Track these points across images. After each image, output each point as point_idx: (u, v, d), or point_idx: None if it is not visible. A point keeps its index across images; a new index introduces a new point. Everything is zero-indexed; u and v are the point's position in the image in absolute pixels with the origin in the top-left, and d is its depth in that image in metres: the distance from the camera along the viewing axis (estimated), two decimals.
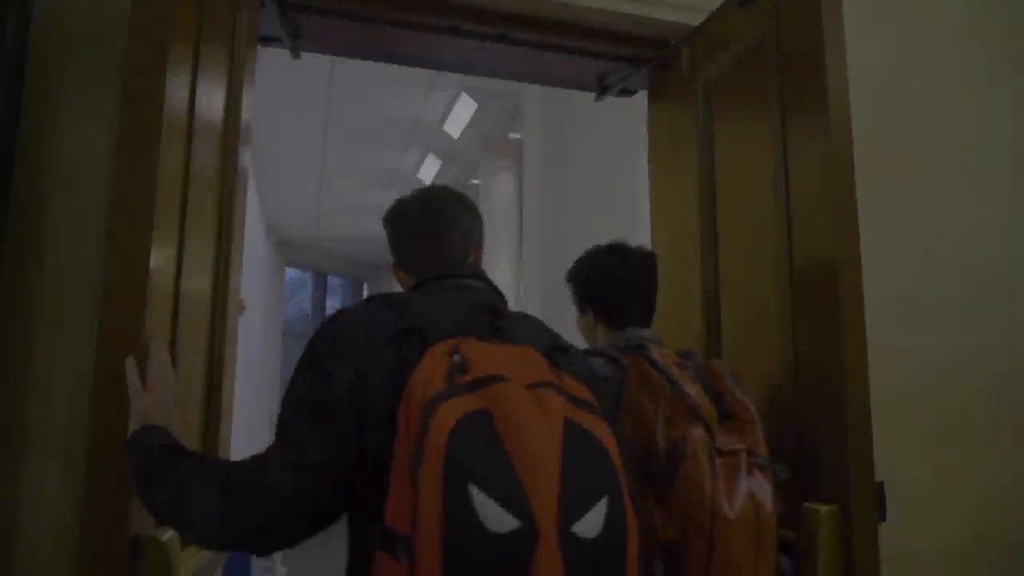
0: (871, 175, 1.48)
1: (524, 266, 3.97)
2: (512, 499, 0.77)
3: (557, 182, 3.89)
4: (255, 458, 0.90)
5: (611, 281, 1.53)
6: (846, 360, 1.24)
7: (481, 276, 1.14)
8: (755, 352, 1.51)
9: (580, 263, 1.60)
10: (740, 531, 1.19)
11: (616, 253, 1.55)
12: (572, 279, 1.61)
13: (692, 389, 1.29)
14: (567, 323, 1.56)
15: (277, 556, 4.67)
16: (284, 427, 0.91)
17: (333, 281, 11.99)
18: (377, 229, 7.21)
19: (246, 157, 1.56)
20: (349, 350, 0.94)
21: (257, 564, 4.37)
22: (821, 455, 1.29)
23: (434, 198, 1.20)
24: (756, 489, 1.22)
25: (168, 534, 1.03)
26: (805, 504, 1.27)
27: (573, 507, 0.80)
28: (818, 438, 1.31)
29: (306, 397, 0.93)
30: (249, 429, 6.72)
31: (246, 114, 1.52)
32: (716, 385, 1.37)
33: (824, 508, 1.24)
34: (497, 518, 0.76)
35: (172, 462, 0.93)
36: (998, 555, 1.71)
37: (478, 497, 0.76)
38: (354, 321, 0.98)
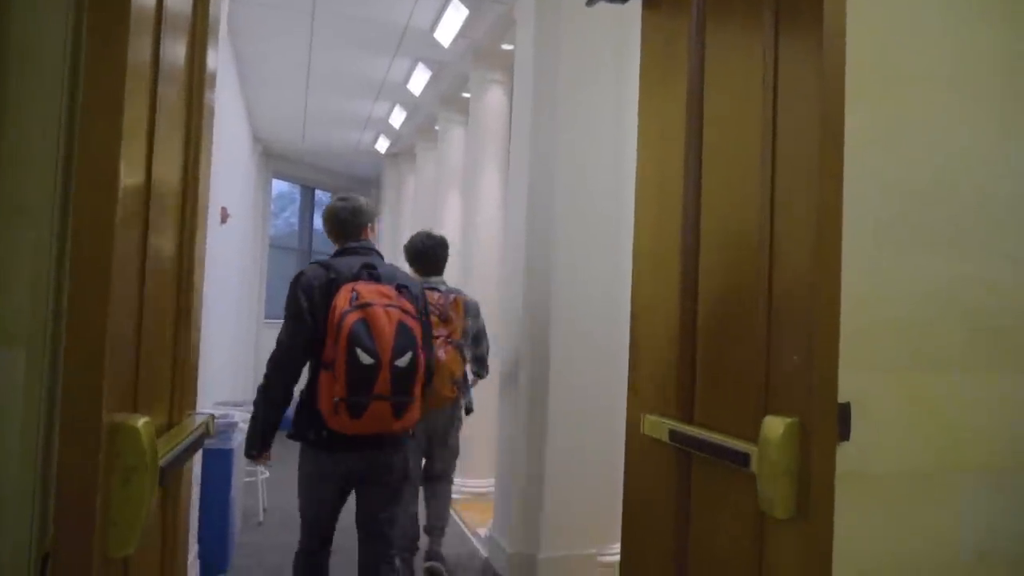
0: (861, 97, 1.47)
1: (511, 176, 3.98)
2: (371, 352, 2.54)
3: (547, 95, 3.85)
4: (280, 336, 2.65)
5: (420, 251, 3.92)
6: (817, 272, 1.25)
7: (369, 246, 2.88)
8: (734, 263, 1.53)
9: (409, 241, 4.00)
10: (442, 367, 3.68)
11: (424, 237, 3.96)
12: (405, 250, 3.99)
13: (437, 311, 3.72)
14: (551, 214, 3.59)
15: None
16: (285, 322, 2.66)
17: (321, 196, 11.90)
18: (365, 140, 7.21)
19: (215, 55, 1.54)
20: (307, 291, 2.68)
21: (242, 469, 4.57)
22: (786, 369, 1.32)
23: (344, 209, 2.93)
24: (443, 352, 3.67)
25: (142, 420, 1.06)
26: (766, 416, 1.31)
27: (397, 354, 2.57)
28: (784, 352, 1.34)
29: (291, 312, 2.66)
30: (238, 325, 6.80)
31: (214, 9, 1.50)
32: (451, 306, 3.77)
33: (783, 420, 1.28)
34: (365, 358, 2.54)
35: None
36: (962, 480, 1.76)
37: (359, 351, 2.52)
38: (308, 276, 2.71)
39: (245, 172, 7.87)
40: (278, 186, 11.22)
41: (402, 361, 2.63)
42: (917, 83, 1.68)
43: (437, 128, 7.73)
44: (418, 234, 4.02)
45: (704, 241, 1.65)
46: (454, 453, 3.94)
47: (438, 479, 3.92)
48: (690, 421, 1.65)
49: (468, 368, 3.95)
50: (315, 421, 2.66)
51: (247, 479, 5.10)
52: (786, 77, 1.37)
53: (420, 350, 2.68)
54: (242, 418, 4.16)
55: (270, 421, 2.71)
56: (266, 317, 9.48)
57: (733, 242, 1.54)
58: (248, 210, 8.09)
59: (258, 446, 2.74)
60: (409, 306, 2.72)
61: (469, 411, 3.95)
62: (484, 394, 4.87)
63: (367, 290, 2.69)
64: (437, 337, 3.68)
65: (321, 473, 2.72)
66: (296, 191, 11.60)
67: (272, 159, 10.25)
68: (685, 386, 1.68)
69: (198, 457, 3.52)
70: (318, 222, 11.87)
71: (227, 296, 6.24)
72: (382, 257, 2.92)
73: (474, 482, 5.60)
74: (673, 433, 1.66)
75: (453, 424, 3.90)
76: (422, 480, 3.93)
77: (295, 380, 2.69)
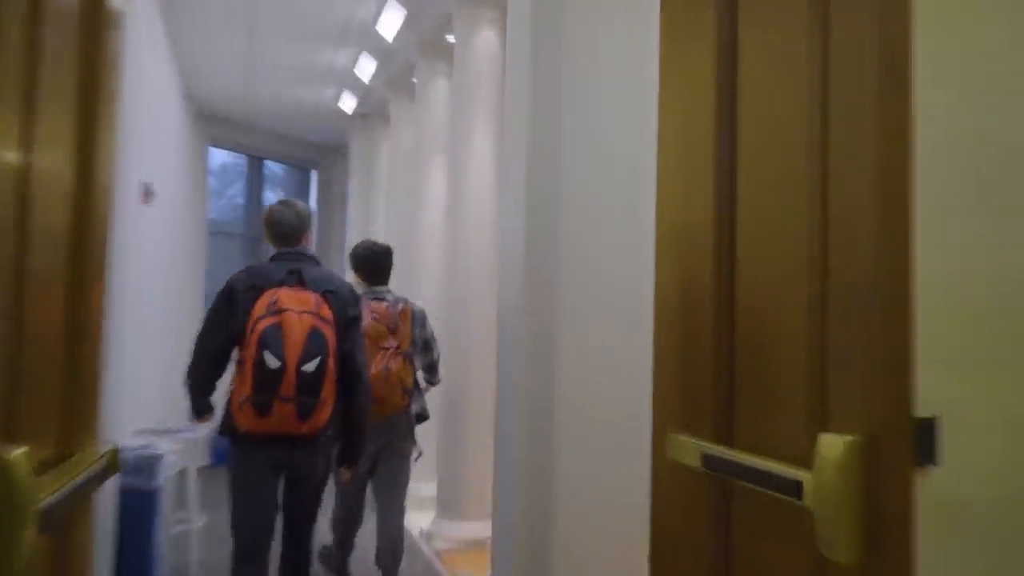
0: (928, 24, 1.44)
1: (504, 139, 3.96)
2: (279, 355, 3.43)
3: (550, 30, 3.80)
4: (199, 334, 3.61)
5: (363, 260, 4.87)
6: (885, 254, 1.23)
7: (303, 252, 3.86)
8: (778, 248, 1.51)
9: (353, 250, 4.97)
10: (380, 377, 4.52)
11: (369, 245, 4.96)
12: (349, 259, 4.93)
13: (385, 321, 4.68)
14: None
15: (194, 505, 4.97)
16: (204, 320, 3.68)
17: (274, 169, 11.84)
18: (326, 98, 7.27)
19: None
20: (226, 295, 3.69)
21: (171, 517, 4.63)
22: (846, 375, 1.30)
23: (279, 213, 3.89)
24: (392, 364, 4.60)
25: (17, 451, 1.04)
26: (821, 434, 1.29)
27: (305, 359, 3.46)
28: (843, 353, 1.32)
29: (207, 315, 3.70)
30: (169, 332, 6.83)
31: None
32: (399, 317, 4.73)
33: (843, 439, 1.26)
34: (272, 362, 3.43)
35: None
36: None
37: (267, 354, 3.43)
38: (231, 282, 3.70)
39: (176, 139, 7.80)
40: (219, 157, 11.12)
41: (309, 366, 3.47)
42: (1002, 7, 1.65)
43: (415, 81, 7.66)
44: (362, 243, 4.98)
45: (741, 221, 1.63)
46: (404, 460, 4.76)
47: (389, 490, 4.75)
48: (727, 442, 1.64)
49: (420, 376, 4.90)
50: (230, 419, 3.56)
51: (177, 528, 5.10)
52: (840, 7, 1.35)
53: (330, 356, 3.53)
54: (170, 449, 4.18)
55: (203, 398, 3.69)
56: None
57: (777, 221, 1.52)
58: (180, 187, 8.01)
59: (200, 405, 3.68)
60: (328, 313, 3.60)
61: (423, 418, 4.82)
62: (475, 421, 5.06)
63: (287, 296, 3.55)
64: (387, 348, 4.56)
65: (247, 467, 3.63)
66: (242, 162, 11.45)
67: (209, 122, 10.10)
68: (720, 399, 1.66)
69: (110, 499, 3.62)
70: (270, 197, 11.93)
71: (153, 296, 6.23)
72: (318, 263, 3.84)
73: (470, 526, 5.60)
74: (707, 457, 1.65)
75: (407, 431, 4.75)
76: (374, 490, 4.80)
77: (212, 377, 3.68)
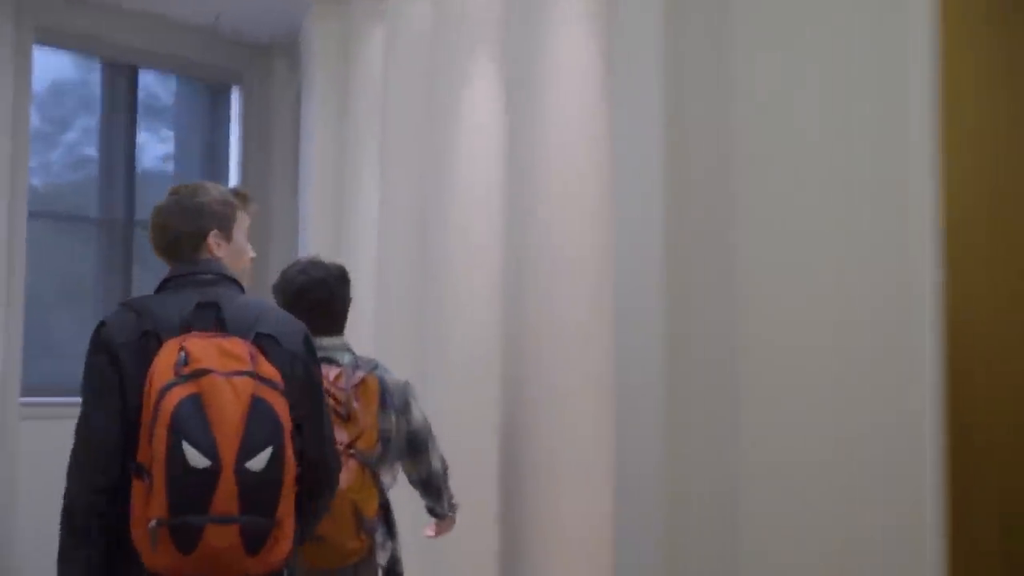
0: None
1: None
2: (206, 449, 2.42)
3: None
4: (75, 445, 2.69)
5: (297, 295, 3.59)
6: None
7: (213, 270, 2.84)
8: None
9: (280, 278, 3.69)
10: (342, 498, 3.24)
11: (304, 268, 3.68)
12: (274, 293, 3.65)
13: (334, 399, 3.45)
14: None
15: None
16: (81, 414, 2.68)
17: (154, 90, 9.17)
18: None
19: None
20: (111, 351, 2.64)
21: None
22: None
23: (168, 208, 2.93)
24: (342, 475, 3.17)
25: None
26: None
27: (248, 451, 2.47)
28: None
29: (90, 386, 2.68)
30: None
31: None
32: (355, 393, 3.53)
33: None
34: (197, 459, 2.41)
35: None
36: None
37: (187, 447, 2.40)
38: (111, 330, 2.68)
39: None
40: (50, 67, 8.51)
41: (256, 462, 2.55)
42: None
43: None
44: (294, 265, 3.80)
45: None
46: None
47: None
48: None
49: (385, 500, 3.82)
50: (131, 561, 2.61)
51: None
52: None
53: (287, 441, 2.65)
54: None
55: (80, 572, 2.70)
56: (26, 394, 7.38)
57: None
58: None
59: None
60: (271, 371, 2.69)
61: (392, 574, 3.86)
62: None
63: (202, 347, 2.63)
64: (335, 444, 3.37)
65: None
66: (95, 77, 8.86)
67: (34, 3, 7.90)
68: None
69: None
70: (156, 150, 9.24)
71: None
72: (239, 287, 2.96)
73: None
74: None
75: None
76: None
77: (111, 493, 2.66)
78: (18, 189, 7.49)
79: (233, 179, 8.83)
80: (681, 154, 3.59)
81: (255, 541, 2.55)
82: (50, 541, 6.57)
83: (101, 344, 2.69)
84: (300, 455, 2.75)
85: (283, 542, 2.62)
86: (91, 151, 9.03)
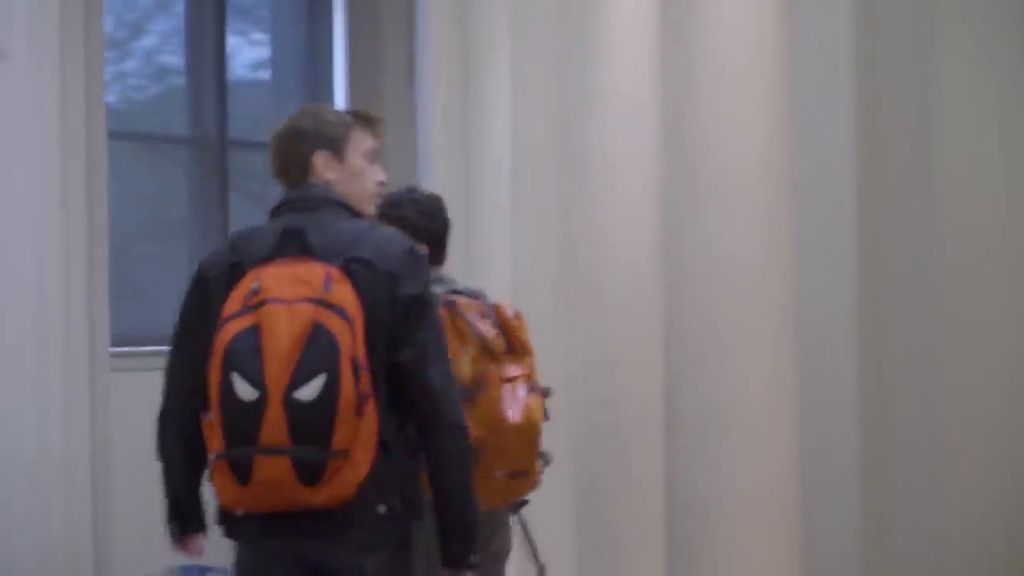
0: None
1: None
2: (255, 380, 2.71)
3: None
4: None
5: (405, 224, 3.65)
6: None
7: (316, 194, 3.04)
8: None
9: (380, 209, 3.50)
10: (520, 432, 3.62)
11: (408, 198, 3.93)
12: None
13: (486, 329, 3.66)
14: None
15: None
16: (173, 335, 3.06)
17: None
18: None
19: None
20: (199, 289, 3.01)
21: None
22: None
23: (281, 133, 3.13)
24: (532, 404, 3.64)
25: None
26: None
27: (297, 381, 2.70)
28: None
29: (181, 319, 3.03)
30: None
31: None
32: (501, 323, 3.71)
33: None
34: (245, 391, 2.71)
35: None
36: None
37: (236, 379, 2.72)
38: (203, 265, 3.04)
39: None
40: None
41: (307, 392, 2.74)
42: None
43: None
44: (393, 196, 3.96)
45: None
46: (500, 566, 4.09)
47: None
48: None
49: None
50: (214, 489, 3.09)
51: None
52: None
53: (346, 369, 2.79)
54: None
55: (175, 485, 3.17)
56: (118, 344, 7.37)
57: None
58: (37, 39, 6.73)
59: (175, 521, 3.16)
60: (347, 297, 2.86)
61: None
62: None
63: (276, 276, 2.88)
64: (513, 379, 3.72)
65: (251, 570, 3.09)
66: None
67: None
68: None
69: None
70: (247, 56, 9.21)
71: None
72: (348, 211, 3.12)
73: None
74: None
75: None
76: None
77: (191, 430, 3.01)
78: (94, 105, 7.28)
79: (339, 87, 8.63)
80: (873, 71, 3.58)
81: (310, 472, 2.74)
82: (145, 497, 6.93)
83: (196, 278, 3.06)
84: (401, 385, 2.95)
85: (348, 471, 2.77)
86: (171, 59, 9.01)
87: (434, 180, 6.71)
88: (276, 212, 3.07)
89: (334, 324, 2.79)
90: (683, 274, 4.29)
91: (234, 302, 2.83)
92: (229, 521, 2.92)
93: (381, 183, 3.24)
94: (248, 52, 9.34)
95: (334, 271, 2.86)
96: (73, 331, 6.55)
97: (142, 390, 7.07)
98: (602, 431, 4.81)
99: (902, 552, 3.66)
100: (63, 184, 6.67)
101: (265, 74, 9.44)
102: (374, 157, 3.19)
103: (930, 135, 3.56)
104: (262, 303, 2.77)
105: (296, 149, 3.07)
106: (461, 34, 7.06)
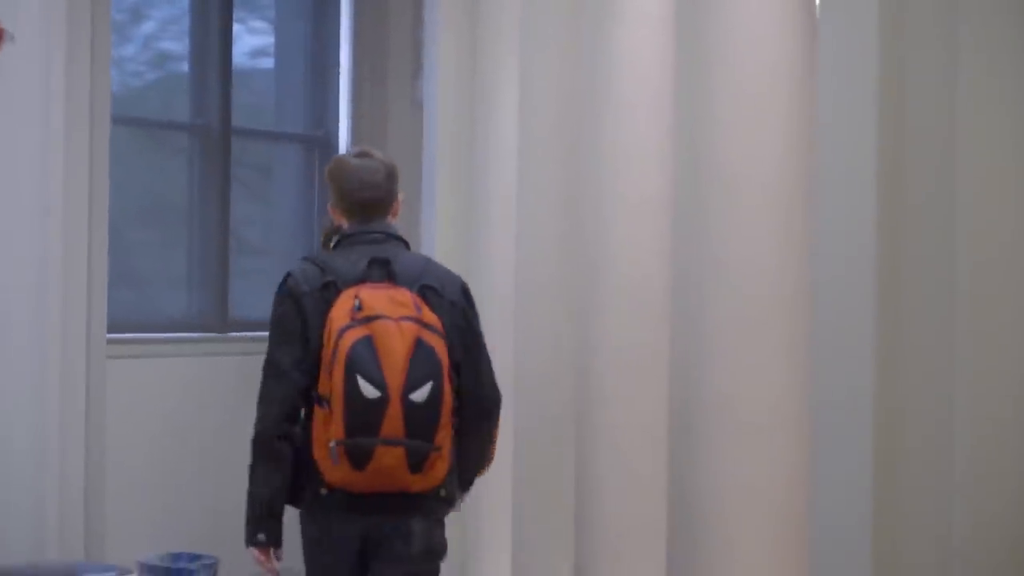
0: None
1: None
2: (377, 382, 3.45)
3: None
4: (267, 361, 3.75)
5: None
6: None
7: (387, 231, 3.81)
8: None
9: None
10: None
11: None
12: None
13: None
14: None
15: None
16: (271, 348, 3.70)
17: None
18: None
19: None
20: (297, 301, 3.67)
21: None
22: None
23: (358, 171, 3.81)
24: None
25: None
26: None
27: (411, 386, 3.47)
28: None
29: (278, 333, 3.70)
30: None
31: None
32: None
33: None
34: (369, 391, 3.44)
35: None
36: None
37: (361, 381, 3.44)
38: (297, 279, 3.70)
39: None
40: None
41: (418, 395, 3.49)
42: None
43: None
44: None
45: None
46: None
47: None
48: None
49: None
50: (311, 475, 3.63)
51: None
52: None
53: (445, 378, 3.59)
54: None
55: (273, 485, 3.67)
56: (114, 331, 7.08)
57: None
58: (42, 19, 6.55)
59: (261, 526, 3.66)
60: (433, 318, 3.62)
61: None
62: None
63: (374, 296, 3.58)
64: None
65: (327, 537, 3.73)
66: None
67: None
68: None
69: None
70: (246, 43, 8.82)
71: None
72: (406, 245, 3.92)
73: None
74: None
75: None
76: None
77: (296, 420, 3.70)
78: (99, 91, 7.20)
79: (344, 80, 8.42)
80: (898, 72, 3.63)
81: (417, 461, 3.51)
82: (138, 483, 6.74)
83: (288, 292, 3.70)
84: (458, 391, 3.71)
85: (440, 464, 3.59)
86: (171, 45, 8.97)
87: (438, 176, 6.89)
88: (354, 241, 3.77)
89: (432, 340, 3.55)
90: (692, 273, 4.28)
91: (341, 315, 3.53)
92: (329, 500, 3.59)
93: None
94: (249, 40, 9.08)
95: (415, 296, 3.63)
96: (71, 316, 6.52)
97: (137, 377, 7.04)
98: (605, 431, 4.71)
99: (913, 556, 3.64)
100: (66, 169, 6.64)
101: (268, 62, 9.25)
102: None
103: (952, 139, 3.57)
104: (374, 317, 3.50)
105: (385, 189, 3.80)
106: (469, 24, 7.01)
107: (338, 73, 8.55)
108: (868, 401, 3.62)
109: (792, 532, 3.76)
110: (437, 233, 6.70)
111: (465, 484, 3.98)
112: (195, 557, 6.46)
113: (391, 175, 3.81)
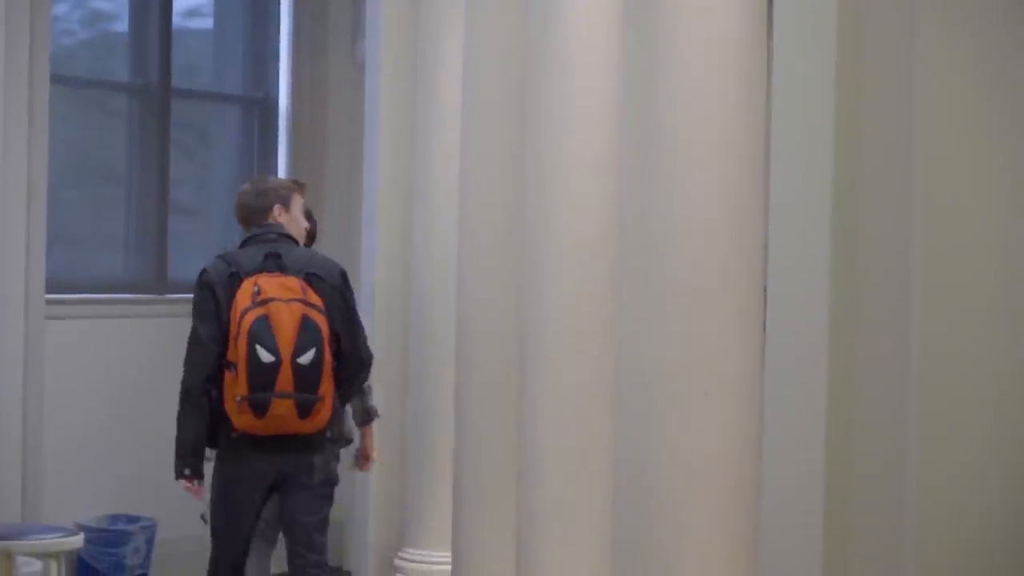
0: None
1: None
2: (272, 350, 4.56)
3: None
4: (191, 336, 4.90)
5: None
6: None
7: (277, 231, 4.95)
8: None
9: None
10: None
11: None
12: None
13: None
14: None
15: None
16: (195, 326, 4.77)
17: None
18: None
19: None
20: (211, 290, 4.76)
21: None
22: None
23: (248, 193, 5.12)
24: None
25: None
26: None
27: (299, 352, 4.60)
28: None
29: (199, 313, 4.79)
30: None
31: None
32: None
33: None
34: (266, 356, 4.55)
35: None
36: None
37: (259, 349, 4.55)
38: (210, 274, 4.81)
39: None
40: None
41: (304, 358, 4.47)
42: None
43: None
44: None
45: None
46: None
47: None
48: None
49: None
50: (224, 422, 4.60)
51: None
52: None
53: (325, 345, 4.59)
54: None
55: (197, 430, 4.61)
56: (52, 291, 6.89)
57: None
58: None
59: (187, 462, 4.60)
60: (316, 299, 4.64)
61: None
62: None
63: (269, 284, 4.56)
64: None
65: (235, 477, 4.70)
66: None
67: None
68: None
69: None
70: (185, 3, 8.42)
71: None
72: (295, 242, 4.95)
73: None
74: None
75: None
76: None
77: (213, 380, 4.60)
78: (39, 50, 6.98)
79: (284, 40, 8.02)
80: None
81: (305, 409, 4.51)
82: (75, 445, 6.62)
83: (204, 283, 4.70)
84: (338, 353, 4.74)
85: (323, 411, 4.60)
86: (106, 4, 8.69)
87: (380, 138, 6.62)
88: (251, 242, 4.81)
89: (315, 316, 4.59)
90: (641, 237, 4.11)
91: (245, 299, 4.53)
92: (237, 442, 4.56)
93: (307, 229, 5.20)
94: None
95: (301, 282, 4.65)
96: (9, 276, 6.41)
97: (76, 338, 6.88)
98: (547, 396, 4.62)
99: (865, 520, 3.60)
100: (3, 129, 6.48)
101: (207, 22, 9.05)
102: (304, 210, 5.18)
103: (909, 105, 3.53)
104: (269, 300, 4.50)
105: (262, 202, 4.90)
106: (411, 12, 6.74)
107: (278, 33, 8.23)
108: (822, 368, 3.55)
109: (742, 501, 3.68)
110: (379, 193, 6.52)
111: (349, 399, 5.11)
112: (133, 519, 6.42)
113: (261, 193, 4.98)
